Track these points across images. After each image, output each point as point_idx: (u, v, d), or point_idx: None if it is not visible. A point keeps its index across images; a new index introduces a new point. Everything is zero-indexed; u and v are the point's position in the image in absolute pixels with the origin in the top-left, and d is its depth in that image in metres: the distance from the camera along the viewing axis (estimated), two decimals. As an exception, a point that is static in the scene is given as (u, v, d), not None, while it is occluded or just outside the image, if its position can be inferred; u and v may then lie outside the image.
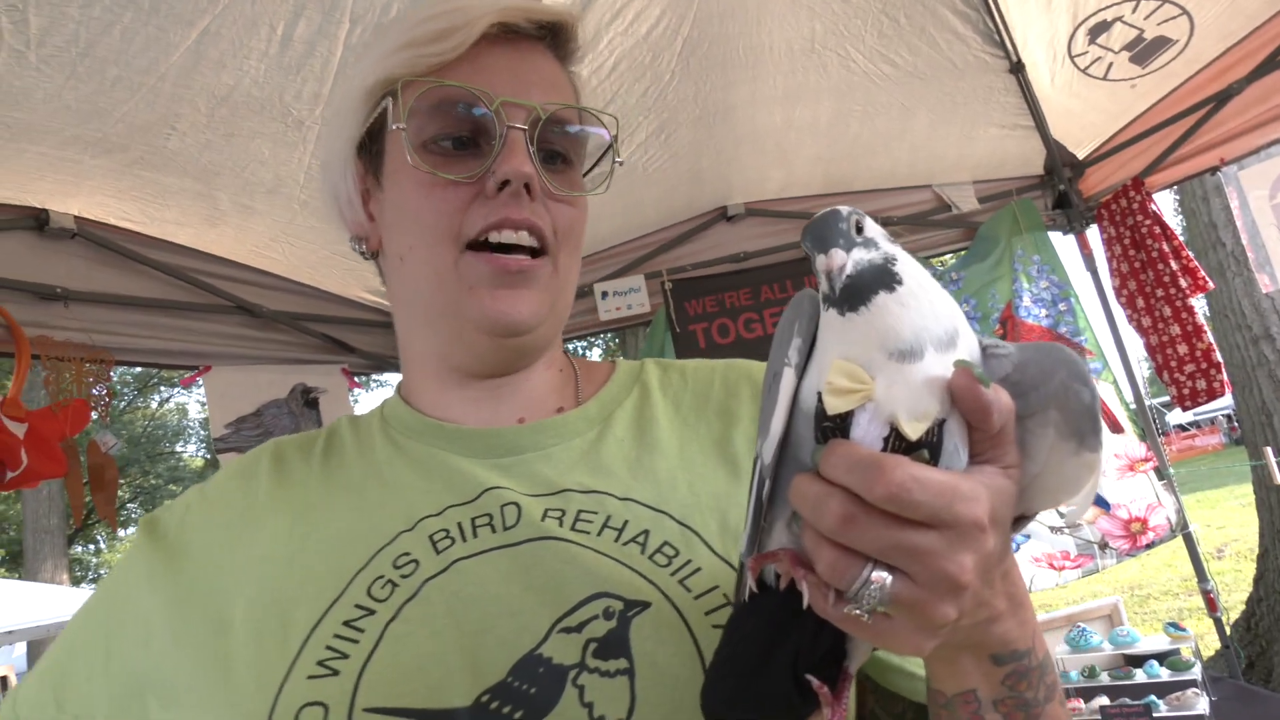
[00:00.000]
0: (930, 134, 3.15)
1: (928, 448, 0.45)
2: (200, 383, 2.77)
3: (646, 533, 0.65)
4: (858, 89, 2.90)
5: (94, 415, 2.31)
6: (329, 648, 0.59)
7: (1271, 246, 2.83)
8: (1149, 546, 3.23)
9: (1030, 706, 0.52)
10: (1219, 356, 3.01)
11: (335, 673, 0.58)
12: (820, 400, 0.46)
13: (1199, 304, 3.15)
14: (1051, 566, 3.25)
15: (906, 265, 0.47)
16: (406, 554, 0.64)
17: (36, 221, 2.26)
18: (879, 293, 0.45)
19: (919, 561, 0.43)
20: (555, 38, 0.77)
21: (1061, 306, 3.36)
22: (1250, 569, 5.39)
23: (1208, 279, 3.04)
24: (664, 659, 0.58)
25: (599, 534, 0.65)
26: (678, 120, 2.89)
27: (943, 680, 0.54)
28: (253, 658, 0.61)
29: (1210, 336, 3.02)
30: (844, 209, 0.48)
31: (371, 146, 0.75)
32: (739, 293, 3.38)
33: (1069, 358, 0.49)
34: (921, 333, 0.45)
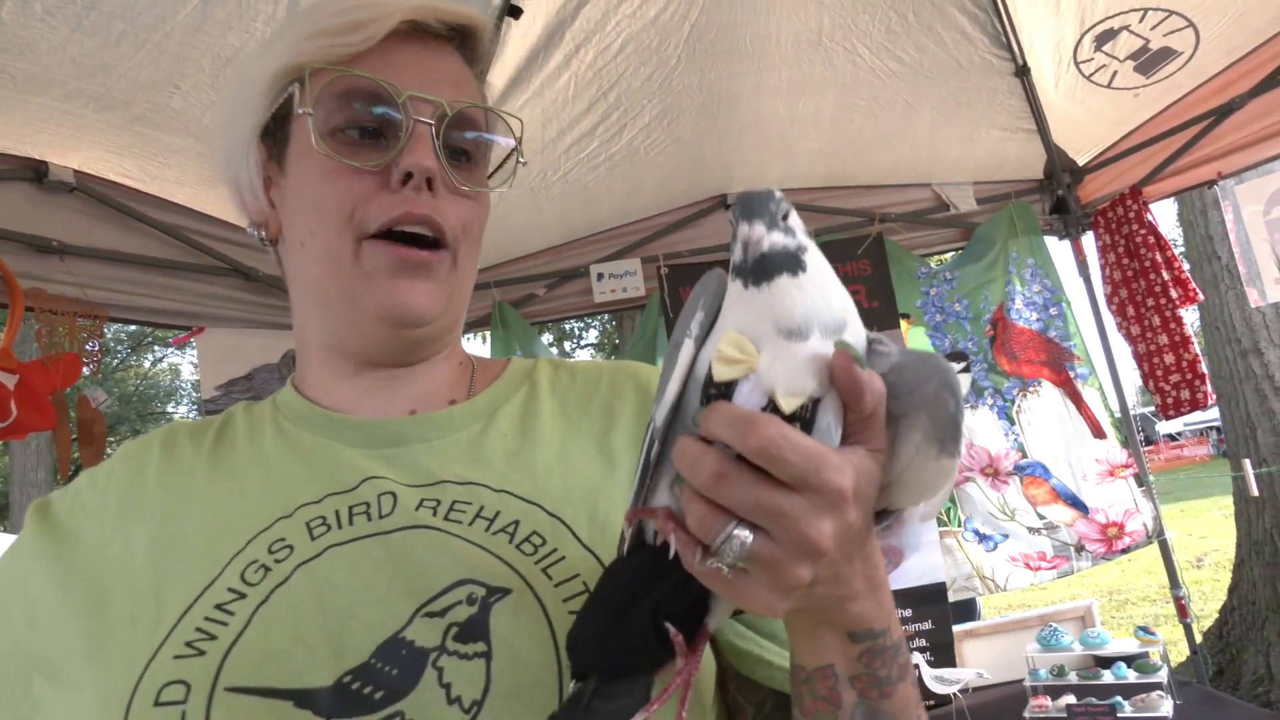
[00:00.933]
0: (932, 133, 3.16)
1: (801, 422, 0.49)
2: (193, 343, 2.78)
3: (516, 523, 0.67)
4: (863, 84, 2.91)
5: (86, 370, 2.33)
6: (198, 629, 0.61)
7: (1262, 262, 2.86)
8: (1124, 551, 3.28)
9: (884, 684, 0.56)
10: (1205, 368, 3.04)
11: (201, 653, 0.59)
12: (711, 367, 0.50)
13: (1191, 315, 3.17)
14: (1028, 566, 3.29)
15: (814, 258, 0.51)
16: (282, 539, 0.66)
17: (35, 173, 2.26)
18: (782, 274, 0.49)
19: (781, 522, 0.46)
20: (464, 39, 0.78)
21: (1053, 311, 3.38)
22: (1228, 579, 5.46)
23: (1198, 291, 3.06)
24: (520, 643, 0.60)
25: (470, 523, 0.67)
26: (681, 106, 2.89)
27: (804, 655, 0.57)
28: (125, 639, 0.62)
29: (1197, 348, 3.05)
30: (779, 193, 0.52)
31: (276, 132, 0.76)
32: (734, 281, 3.39)
33: (943, 367, 0.52)
34: (812, 316, 0.49)
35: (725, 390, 0.49)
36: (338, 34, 0.71)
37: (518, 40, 2.52)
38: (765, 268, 0.49)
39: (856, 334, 0.52)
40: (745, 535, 0.47)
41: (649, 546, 0.56)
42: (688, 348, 0.52)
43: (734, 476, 0.46)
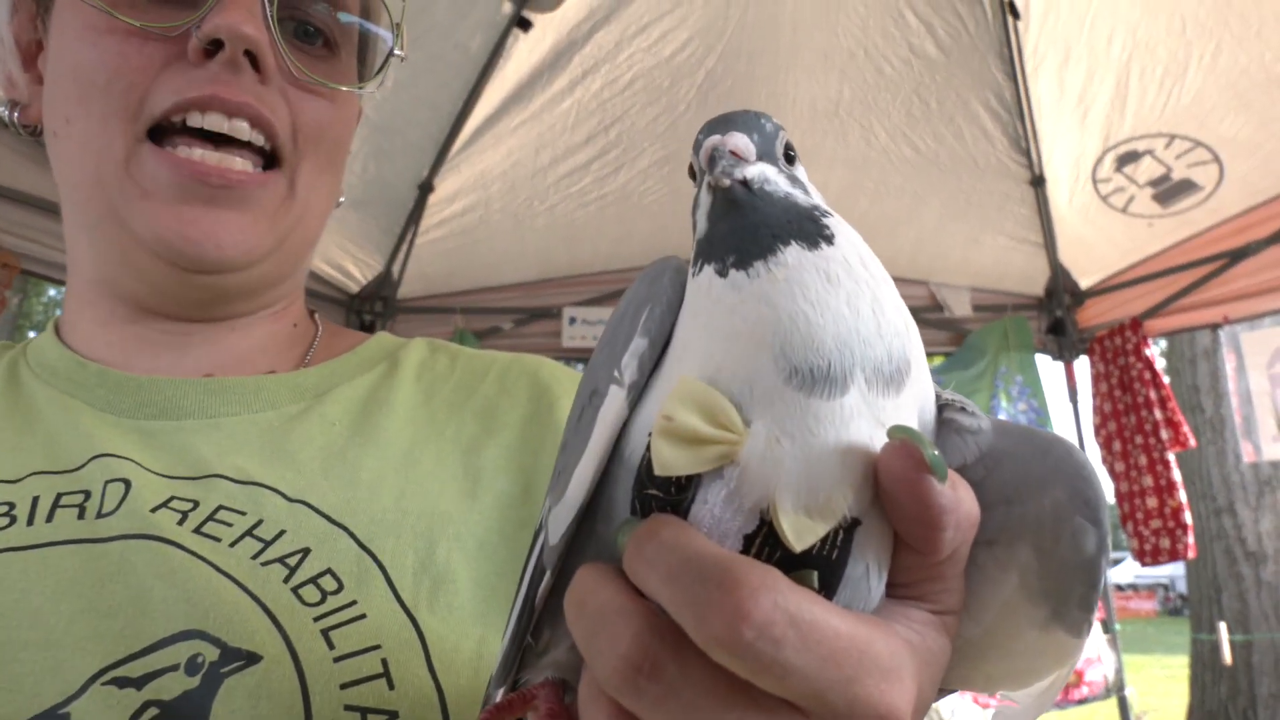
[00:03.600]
0: (937, 228, 3.05)
1: (818, 565, 0.26)
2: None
3: (305, 552, 0.45)
4: (874, 165, 2.79)
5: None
6: None
7: (1261, 416, 2.73)
8: (1080, 702, 3.06)
9: None
10: (1188, 518, 2.88)
11: None
12: (650, 445, 0.27)
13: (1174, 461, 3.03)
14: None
15: (844, 228, 0.30)
16: None
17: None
18: (791, 244, 0.27)
19: None
20: None
21: (1036, 434, 3.24)
22: (1170, 745, 5.23)
23: (1190, 436, 2.92)
24: None
25: (234, 544, 0.45)
26: (684, 155, 2.73)
27: None
28: None
29: (1183, 496, 2.89)
30: (774, 119, 0.31)
31: None
32: (712, 348, 3.24)
33: (1079, 469, 0.31)
34: (852, 342, 0.27)
35: (675, 492, 0.27)
36: None
37: (523, 54, 2.39)
38: (758, 229, 0.28)
39: (925, 388, 0.30)
40: None
41: None
42: (614, 403, 0.30)
43: (675, 672, 0.25)
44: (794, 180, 0.31)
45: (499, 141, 2.62)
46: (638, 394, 0.29)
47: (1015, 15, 2.35)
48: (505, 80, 2.45)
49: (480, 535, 0.50)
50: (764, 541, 0.26)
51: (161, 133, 0.51)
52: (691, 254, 0.30)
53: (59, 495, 0.47)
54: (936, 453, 0.26)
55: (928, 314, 3.32)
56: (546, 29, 2.32)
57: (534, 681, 0.33)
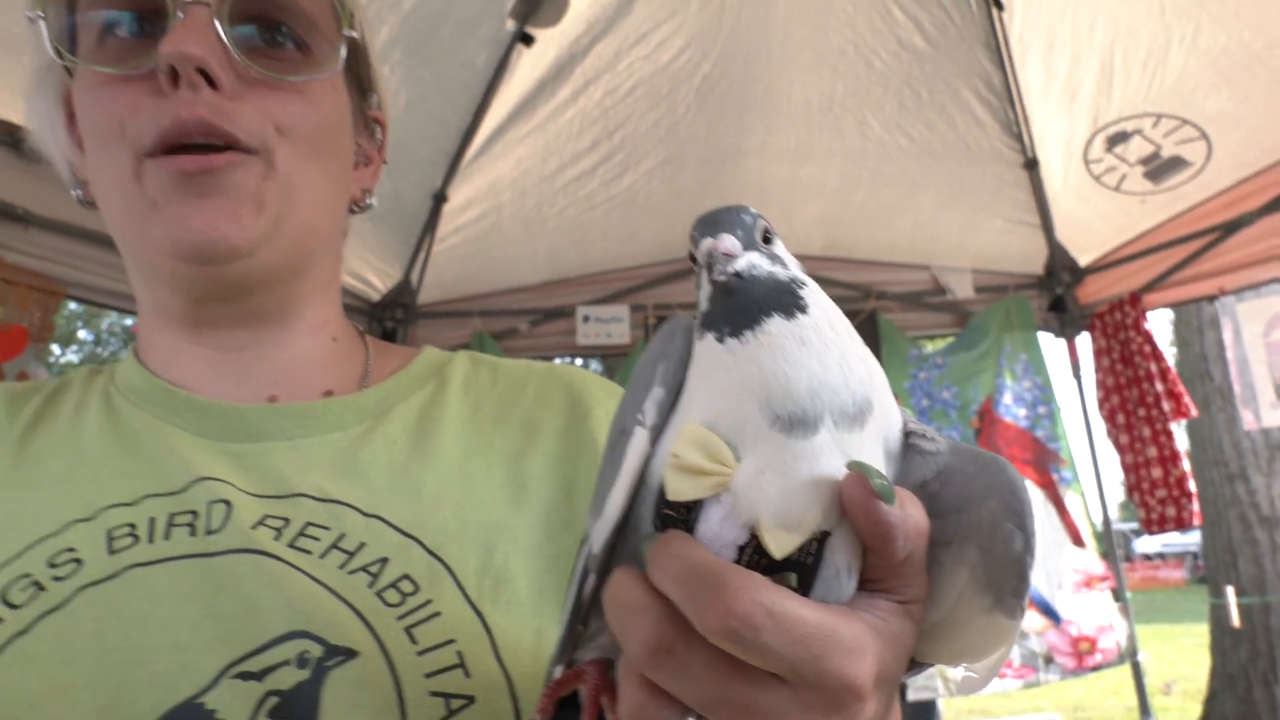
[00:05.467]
0: (934, 214, 3.12)
1: (797, 569, 0.34)
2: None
3: (384, 561, 0.53)
4: (870, 156, 2.87)
5: (30, 345, 2.22)
6: None
7: (1259, 384, 2.79)
8: (1094, 669, 3.14)
9: None
10: (1193, 487, 2.95)
11: None
12: (664, 479, 0.35)
13: (1180, 434, 3.10)
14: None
15: (817, 296, 0.37)
16: (70, 550, 0.51)
17: (12, 138, 2.19)
18: (773, 315, 0.35)
19: None
20: None
21: (1041, 410, 3.30)
22: (1196, 709, 5.28)
23: (1191, 406, 2.99)
24: None
25: (323, 555, 0.52)
26: (685, 156, 2.85)
27: None
28: None
29: (1186, 465, 2.96)
30: (752, 209, 0.38)
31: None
32: (721, 339, 3.32)
33: (1009, 484, 0.38)
34: (822, 391, 0.34)
35: (685, 513, 0.35)
36: None
37: (527, 69, 2.49)
38: (747, 304, 0.35)
39: (887, 420, 0.37)
40: None
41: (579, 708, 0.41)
42: (639, 441, 0.37)
43: (683, 653, 0.33)
44: (774, 258, 0.37)
45: (508, 151, 2.72)
46: (658, 433, 0.37)
47: (999, 6, 2.43)
48: (511, 93, 2.55)
49: (530, 538, 0.57)
50: (753, 551, 0.34)
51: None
52: (697, 318, 0.38)
53: (171, 515, 0.54)
54: (883, 480, 0.34)
55: (930, 297, 3.39)
56: (548, 43, 2.42)
57: (584, 660, 0.41)
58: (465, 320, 3.24)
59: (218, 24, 0.56)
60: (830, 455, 0.34)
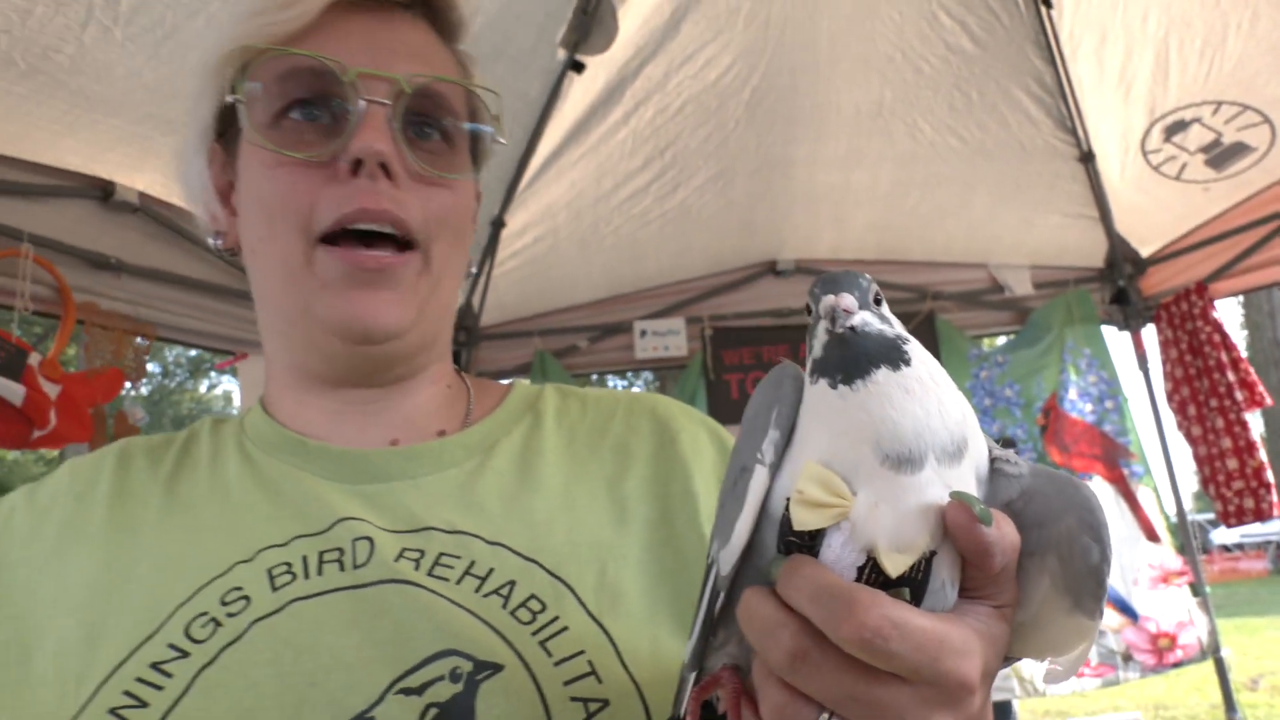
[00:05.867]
0: (990, 214, 3.11)
1: (909, 584, 0.39)
2: (237, 369, 2.80)
3: (512, 584, 0.58)
4: (921, 159, 2.88)
5: (127, 386, 2.35)
6: (128, 693, 0.52)
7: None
8: (1175, 665, 3.07)
9: None
10: (1270, 477, 2.88)
11: None
12: (789, 508, 0.40)
13: (1255, 420, 3.02)
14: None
15: (918, 350, 0.42)
16: (238, 589, 0.57)
17: (103, 192, 2.33)
18: (881, 367, 0.40)
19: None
20: (428, 6, 0.70)
21: (1108, 404, 3.25)
22: (1284, 706, 5.10)
23: (1265, 395, 2.92)
24: None
25: (458, 582, 0.58)
26: (736, 169, 2.89)
27: None
28: (46, 698, 0.54)
29: (1264, 455, 2.89)
30: (868, 275, 0.44)
31: (229, 130, 0.68)
32: (777, 348, 3.35)
33: (1085, 502, 0.43)
34: (925, 434, 0.39)
35: (808, 540, 0.39)
36: (275, 9, 0.63)
37: (578, 95, 2.56)
38: (860, 356, 0.40)
39: (978, 454, 0.42)
40: None
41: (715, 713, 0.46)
42: (759, 477, 0.42)
43: (819, 660, 0.37)
44: (883, 318, 0.43)
45: (562, 175, 2.80)
46: (775, 470, 0.43)
47: (1048, 4, 2.42)
48: (564, 119, 2.62)
49: (636, 554, 0.62)
50: (871, 571, 0.39)
51: (333, 237, 0.63)
52: (807, 368, 0.44)
53: (321, 553, 0.59)
54: (983, 506, 0.39)
55: (989, 295, 3.37)
56: (599, 69, 2.48)
57: (713, 667, 0.46)
58: (526, 340, 3.33)
59: (392, 123, 0.63)
60: (934, 487, 0.39)
